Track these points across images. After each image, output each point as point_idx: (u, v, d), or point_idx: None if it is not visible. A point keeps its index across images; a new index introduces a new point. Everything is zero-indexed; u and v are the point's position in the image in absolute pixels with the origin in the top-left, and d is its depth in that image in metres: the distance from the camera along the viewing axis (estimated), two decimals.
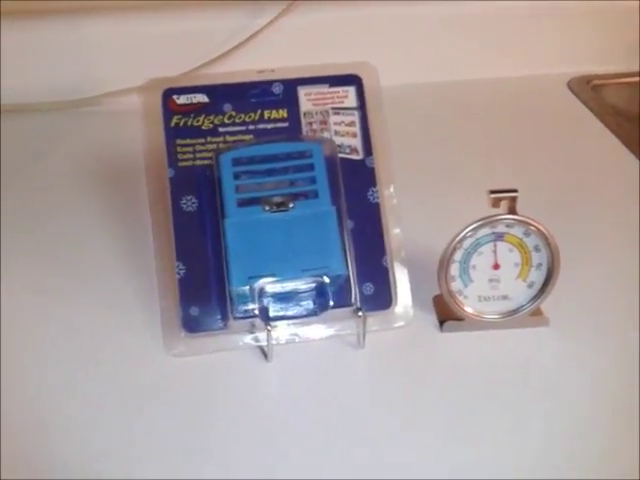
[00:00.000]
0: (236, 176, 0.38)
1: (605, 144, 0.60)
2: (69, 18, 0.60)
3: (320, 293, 0.38)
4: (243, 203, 0.37)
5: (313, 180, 0.38)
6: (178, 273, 0.40)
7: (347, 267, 0.38)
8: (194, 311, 0.39)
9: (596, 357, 0.40)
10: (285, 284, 0.37)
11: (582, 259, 0.46)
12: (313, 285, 0.37)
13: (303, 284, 0.37)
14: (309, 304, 0.38)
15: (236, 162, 0.38)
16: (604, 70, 0.69)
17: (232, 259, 0.37)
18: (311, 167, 0.38)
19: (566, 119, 0.64)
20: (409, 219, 0.43)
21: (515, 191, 0.39)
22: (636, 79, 0.68)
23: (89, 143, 0.58)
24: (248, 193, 0.38)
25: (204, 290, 0.39)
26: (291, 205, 0.37)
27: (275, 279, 0.37)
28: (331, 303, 0.38)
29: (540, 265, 0.40)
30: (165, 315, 0.40)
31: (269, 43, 0.61)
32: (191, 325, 0.39)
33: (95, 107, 0.62)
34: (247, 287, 0.37)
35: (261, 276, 0.36)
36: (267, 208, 0.37)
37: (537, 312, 0.42)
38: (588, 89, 0.68)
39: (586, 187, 0.55)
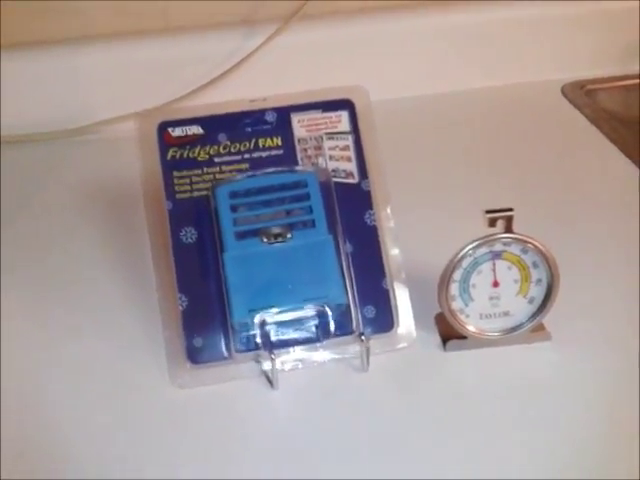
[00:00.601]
0: (233, 209, 0.38)
1: (601, 150, 0.60)
2: (61, 48, 0.61)
3: (321, 320, 0.38)
4: (241, 236, 0.38)
5: (309, 209, 0.38)
6: (181, 305, 0.40)
7: (347, 295, 0.38)
8: (198, 342, 0.40)
9: (599, 371, 0.40)
10: (286, 314, 0.37)
11: (582, 271, 0.46)
12: (314, 313, 0.37)
13: (304, 313, 0.37)
14: (311, 331, 0.38)
15: (233, 195, 0.39)
16: (597, 74, 0.69)
17: (233, 293, 0.37)
18: (307, 196, 0.39)
19: (561, 125, 0.64)
20: (406, 239, 0.43)
21: (511, 210, 0.39)
22: (629, 82, 0.69)
23: (87, 172, 0.59)
24: (246, 225, 0.38)
25: (207, 321, 0.40)
26: (289, 236, 0.37)
27: (276, 310, 0.37)
28: (332, 331, 0.38)
29: (540, 281, 0.41)
30: (169, 347, 0.41)
31: (262, 65, 0.61)
32: (195, 356, 0.40)
33: (91, 135, 0.62)
34: (249, 319, 0.37)
35: (262, 308, 0.37)
36: (265, 240, 0.37)
37: (539, 327, 0.42)
38: (582, 94, 0.68)
39: (583, 195, 0.55)
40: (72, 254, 0.50)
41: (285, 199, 0.39)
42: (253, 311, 0.37)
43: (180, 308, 0.40)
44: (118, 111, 0.61)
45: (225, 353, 0.40)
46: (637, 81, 0.68)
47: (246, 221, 0.38)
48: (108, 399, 0.40)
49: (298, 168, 0.41)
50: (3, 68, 0.59)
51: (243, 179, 0.39)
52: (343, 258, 0.39)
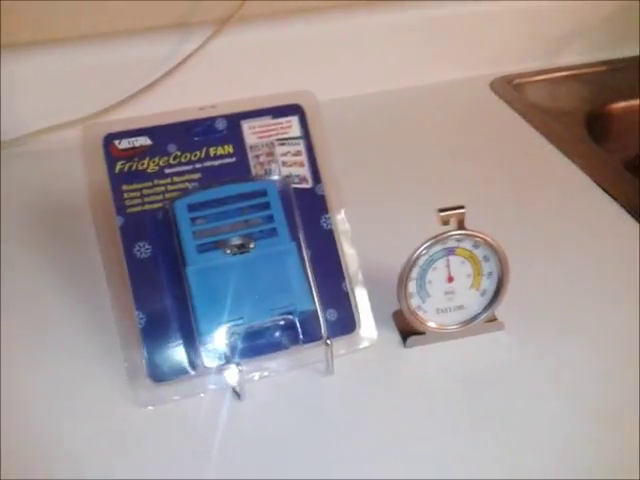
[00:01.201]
0: (192, 222, 0.38)
1: (532, 142, 0.63)
2: None
3: (289, 328, 0.38)
4: (203, 249, 0.37)
5: (270, 218, 0.38)
6: (139, 323, 0.39)
7: (313, 301, 0.38)
8: (159, 359, 0.39)
9: (551, 355, 0.43)
10: (253, 324, 0.37)
11: (530, 262, 0.48)
12: (281, 322, 0.37)
13: (271, 322, 0.37)
14: (278, 339, 0.38)
15: (191, 208, 0.38)
16: (524, 69, 0.72)
17: (198, 307, 0.36)
18: (267, 205, 0.39)
19: (493, 120, 0.66)
20: (359, 240, 0.43)
21: (462, 207, 0.40)
22: (554, 75, 0.72)
23: (23, 186, 0.56)
24: (207, 238, 0.37)
25: (168, 337, 0.39)
26: (252, 246, 0.37)
27: (244, 322, 0.37)
28: (301, 338, 0.38)
29: (490, 274, 0.42)
30: (130, 365, 0.39)
31: (200, 69, 0.60)
32: (158, 374, 0.39)
33: (21, 148, 0.59)
34: (216, 333, 0.36)
35: (229, 321, 0.36)
36: (228, 251, 0.37)
37: (492, 318, 0.44)
38: (510, 89, 0.71)
39: (523, 186, 0.57)
40: (16, 275, 0.48)
41: (245, 209, 0.38)
42: (220, 324, 0.36)
43: (139, 326, 0.39)
44: (49, 121, 0.59)
45: (188, 368, 0.39)
46: (562, 74, 0.72)
47: (207, 233, 0.37)
48: (70, 423, 0.38)
49: (256, 177, 0.40)
50: None
51: (201, 191, 0.38)
52: (307, 264, 0.39)
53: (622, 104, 0.69)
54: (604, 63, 0.73)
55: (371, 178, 0.57)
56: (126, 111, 0.58)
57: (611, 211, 0.54)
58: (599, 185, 0.57)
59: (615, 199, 0.55)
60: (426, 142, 0.62)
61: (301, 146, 0.43)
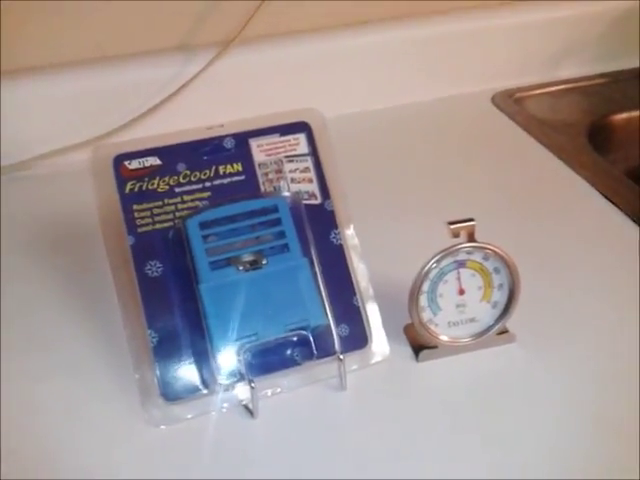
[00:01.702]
0: (204, 239, 0.38)
1: (535, 154, 0.63)
2: None
3: (301, 344, 0.38)
4: (216, 266, 0.37)
5: (282, 234, 0.38)
6: (151, 341, 0.39)
7: (327, 316, 0.38)
8: (172, 378, 0.39)
9: (563, 367, 0.42)
10: (267, 340, 0.37)
11: (537, 272, 0.48)
12: (295, 338, 0.38)
13: (284, 338, 0.37)
14: (291, 355, 0.38)
15: (203, 226, 0.38)
16: (524, 83, 0.73)
17: (212, 324, 0.36)
18: (278, 221, 0.39)
19: (495, 134, 0.67)
20: (368, 254, 0.44)
21: (472, 220, 0.40)
22: (554, 88, 0.73)
23: (31, 209, 0.56)
24: (219, 255, 0.38)
25: (180, 355, 0.39)
26: (264, 262, 0.37)
27: (258, 338, 0.37)
28: (315, 353, 0.38)
29: (501, 285, 0.42)
30: (142, 384, 0.39)
31: (204, 89, 0.61)
32: (170, 392, 0.39)
33: (27, 171, 0.60)
34: (231, 350, 0.36)
35: (244, 337, 0.36)
36: (241, 268, 0.37)
37: (503, 330, 0.44)
38: (512, 103, 0.71)
39: (527, 199, 0.57)
40: (27, 296, 0.47)
41: (256, 225, 0.39)
42: (234, 340, 0.36)
43: (151, 344, 0.39)
44: (53, 145, 0.59)
45: (200, 386, 0.39)
46: (562, 87, 0.73)
47: (219, 250, 0.38)
48: (83, 442, 0.38)
49: (266, 193, 0.41)
50: None
51: (212, 208, 0.39)
52: (320, 280, 0.39)
53: (623, 115, 0.70)
54: (604, 75, 0.74)
55: (377, 193, 0.57)
56: (132, 133, 0.59)
57: (616, 219, 0.54)
58: (603, 194, 0.57)
59: (619, 207, 0.55)
60: (431, 156, 0.63)
61: (309, 163, 0.43)
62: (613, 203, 0.56)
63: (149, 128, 0.60)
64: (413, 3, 0.68)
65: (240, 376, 0.37)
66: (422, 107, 0.69)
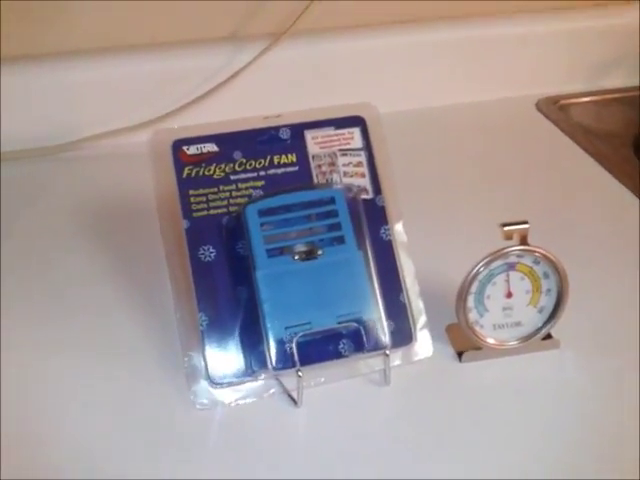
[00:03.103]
0: (263, 227, 0.38)
1: (579, 161, 0.63)
2: (49, 62, 0.59)
3: (350, 336, 0.38)
4: (272, 254, 0.38)
5: (338, 226, 0.39)
6: (201, 324, 0.39)
7: (379, 311, 0.39)
8: (219, 362, 0.39)
9: (608, 374, 0.42)
10: (319, 330, 0.37)
11: (582, 280, 0.47)
12: (346, 329, 0.38)
13: (336, 329, 0.37)
14: (342, 347, 0.38)
15: (262, 213, 0.38)
16: (569, 90, 0.72)
17: (267, 311, 0.37)
18: (335, 213, 0.39)
19: (540, 140, 0.66)
20: (415, 251, 0.44)
21: (526, 223, 0.40)
22: (600, 97, 0.72)
23: (83, 189, 0.57)
24: (276, 243, 0.38)
25: (228, 340, 0.39)
26: (319, 253, 0.38)
27: (311, 327, 0.37)
28: (365, 346, 0.38)
29: (549, 291, 0.42)
30: (189, 367, 0.40)
31: (255, 79, 0.61)
32: (217, 376, 0.39)
33: (79, 151, 0.60)
34: (285, 337, 0.37)
35: (297, 325, 0.37)
36: (297, 257, 0.38)
37: (548, 336, 0.44)
38: (556, 109, 0.71)
39: (572, 207, 0.57)
40: (80, 275, 0.48)
41: (314, 216, 0.39)
42: (289, 328, 0.37)
43: (201, 328, 0.39)
44: (107, 126, 0.60)
45: (247, 372, 0.39)
46: (607, 96, 0.72)
47: (276, 239, 0.38)
48: (130, 424, 0.39)
49: (324, 184, 0.41)
50: None
51: (272, 196, 0.39)
52: (373, 273, 0.39)
53: None
54: None
55: (426, 191, 0.57)
56: (185, 118, 0.59)
57: None
58: None
59: None
60: (477, 158, 0.63)
61: (362, 157, 0.44)
62: None
63: (200, 114, 0.60)
64: (466, 4, 0.67)
65: (289, 364, 0.38)
66: (468, 108, 0.69)
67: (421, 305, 0.43)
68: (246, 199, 0.41)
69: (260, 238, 0.38)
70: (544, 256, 0.41)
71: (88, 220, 0.53)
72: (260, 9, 0.62)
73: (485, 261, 0.40)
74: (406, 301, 0.42)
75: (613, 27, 0.71)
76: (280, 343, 0.37)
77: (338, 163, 0.43)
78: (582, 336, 0.45)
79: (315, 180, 0.43)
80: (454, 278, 0.41)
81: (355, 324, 0.38)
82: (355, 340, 0.39)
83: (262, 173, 0.42)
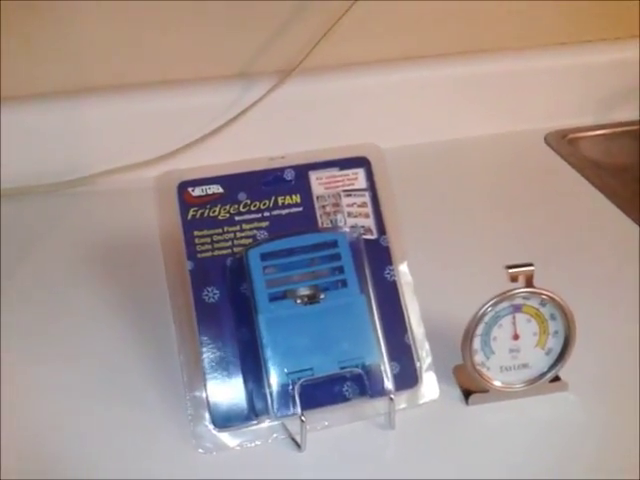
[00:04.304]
0: (265, 270, 0.38)
1: (587, 196, 0.63)
2: (59, 100, 0.60)
3: (353, 380, 0.38)
4: (275, 298, 0.38)
5: (341, 270, 0.39)
6: (204, 366, 0.39)
7: (382, 356, 0.38)
8: (223, 405, 0.39)
9: (617, 418, 0.41)
10: (321, 375, 0.37)
11: (592, 320, 0.47)
12: (348, 374, 0.37)
13: (338, 374, 0.37)
14: (343, 391, 0.38)
15: (264, 257, 0.38)
16: (577, 124, 0.72)
17: (269, 356, 0.37)
18: (338, 256, 0.39)
19: (548, 174, 0.66)
20: (420, 292, 0.43)
21: (531, 265, 0.40)
22: (609, 131, 0.72)
23: (89, 225, 0.57)
24: (279, 287, 0.38)
25: (232, 383, 0.39)
26: (322, 296, 0.37)
27: (313, 372, 0.37)
28: (367, 391, 0.38)
29: (557, 332, 0.42)
30: (193, 410, 0.40)
31: (263, 117, 0.62)
32: (221, 420, 0.39)
33: (88, 187, 0.61)
34: (287, 381, 0.37)
35: (300, 370, 0.37)
36: (299, 301, 0.37)
37: (556, 378, 0.43)
38: (564, 143, 0.71)
39: (581, 244, 0.57)
40: (83, 313, 0.48)
41: (316, 259, 0.39)
42: (291, 374, 0.36)
43: (204, 370, 0.39)
44: (115, 163, 0.61)
45: (251, 415, 0.39)
46: (616, 130, 0.72)
47: (278, 282, 0.38)
48: (133, 466, 0.38)
49: (327, 228, 0.41)
50: (2, 120, 0.58)
51: (274, 240, 0.39)
52: (376, 317, 0.39)
53: None
54: None
55: (432, 228, 0.57)
56: (192, 156, 0.60)
57: None
58: None
59: None
60: (484, 193, 0.63)
61: (366, 198, 0.44)
62: None
63: (207, 151, 0.61)
64: (471, 39, 0.68)
65: (292, 409, 0.37)
66: (475, 142, 0.69)
67: (427, 346, 0.43)
68: (250, 240, 0.41)
69: (262, 282, 0.38)
70: (550, 298, 0.41)
71: (94, 256, 0.53)
72: (270, 46, 0.63)
73: (491, 303, 0.40)
74: (411, 342, 0.42)
75: (622, 61, 0.71)
76: (283, 387, 0.37)
77: (342, 203, 0.43)
78: (590, 378, 0.44)
79: (319, 220, 0.43)
80: (461, 318, 0.41)
81: (358, 369, 0.37)
82: (359, 383, 0.38)
83: (266, 214, 0.42)
